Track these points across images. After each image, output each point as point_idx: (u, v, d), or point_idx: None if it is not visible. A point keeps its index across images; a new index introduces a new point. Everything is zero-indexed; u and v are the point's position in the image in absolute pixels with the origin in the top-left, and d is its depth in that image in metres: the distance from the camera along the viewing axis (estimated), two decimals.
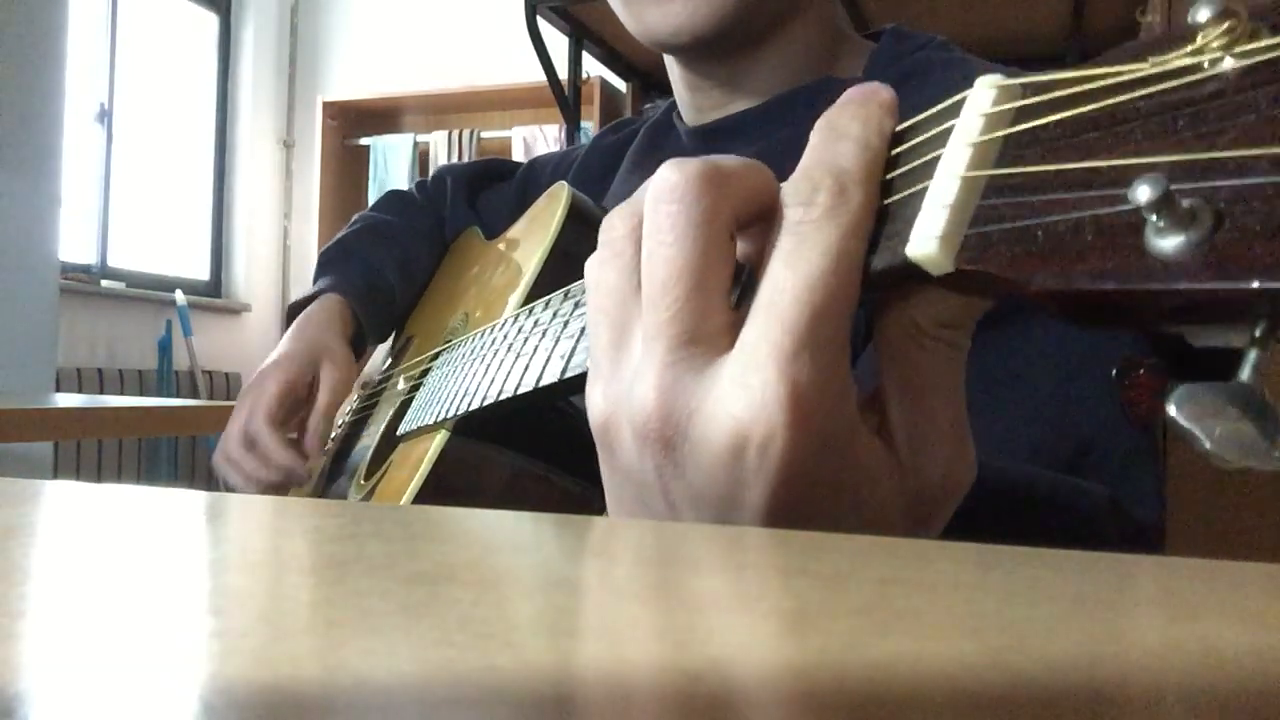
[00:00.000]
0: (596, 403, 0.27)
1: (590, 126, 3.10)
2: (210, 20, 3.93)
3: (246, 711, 0.11)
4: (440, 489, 0.55)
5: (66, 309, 2.84)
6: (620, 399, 0.26)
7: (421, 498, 0.54)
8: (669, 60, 0.66)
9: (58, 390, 2.83)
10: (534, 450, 0.55)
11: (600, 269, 0.28)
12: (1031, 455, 0.43)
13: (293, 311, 0.84)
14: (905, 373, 0.26)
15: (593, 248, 0.29)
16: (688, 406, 0.25)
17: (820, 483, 0.24)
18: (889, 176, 0.25)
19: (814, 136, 0.25)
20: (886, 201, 0.25)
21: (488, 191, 0.90)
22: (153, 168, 3.65)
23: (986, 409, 0.37)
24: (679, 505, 0.26)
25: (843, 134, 0.25)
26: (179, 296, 3.53)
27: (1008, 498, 0.36)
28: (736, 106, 0.64)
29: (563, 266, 0.58)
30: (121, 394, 3.26)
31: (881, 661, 0.13)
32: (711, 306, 0.25)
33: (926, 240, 0.22)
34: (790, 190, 0.25)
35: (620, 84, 3.20)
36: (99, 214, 3.43)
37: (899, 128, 0.26)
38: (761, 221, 0.26)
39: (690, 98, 0.66)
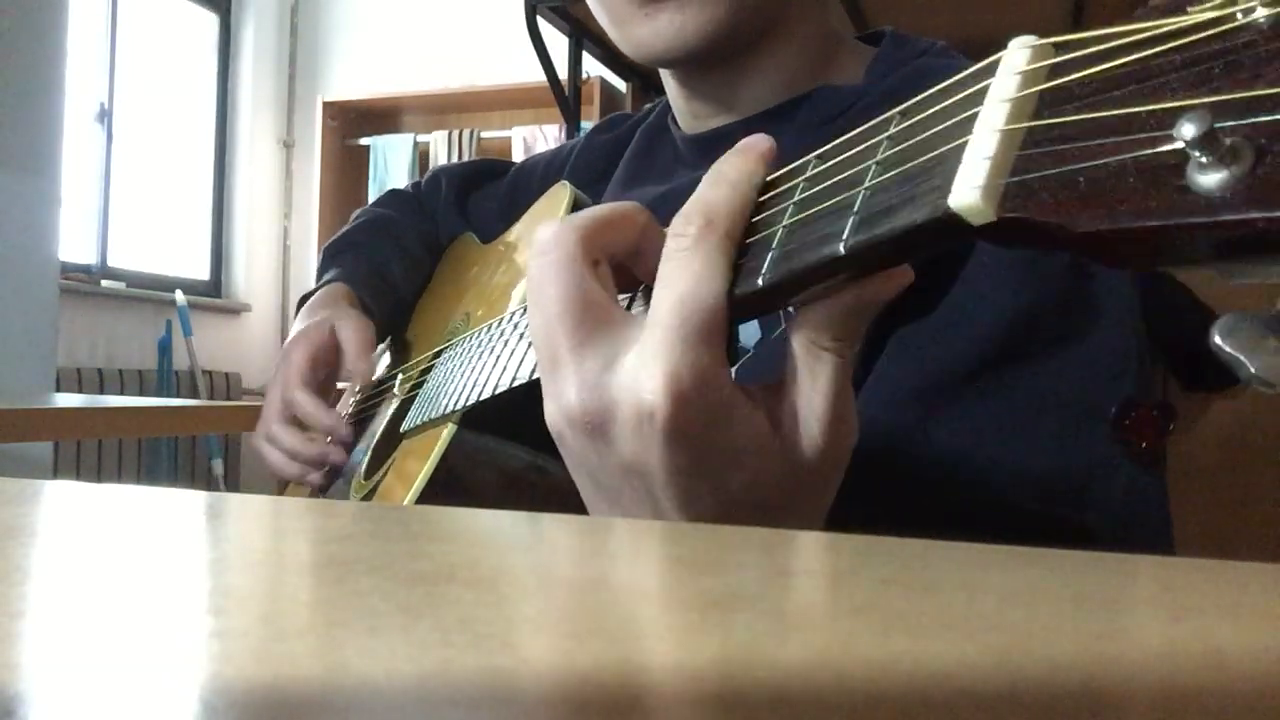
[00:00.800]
0: (550, 414, 0.33)
1: (590, 127, 3.09)
2: (210, 20, 3.93)
3: (246, 711, 0.11)
4: (447, 483, 0.54)
5: (66, 309, 2.84)
6: (559, 405, 0.33)
7: (428, 491, 0.54)
8: (663, 69, 0.66)
9: (58, 390, 2.83)
10: (541, 443, 0.55)
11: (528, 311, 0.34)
12: (1038, 492, 0.45)
13: (304, 304, 0.84)
14: (800, 372, 0.32)
15: None
16: (609, 395, 0.31)
17: (706, 448, 0.31)
18: (917, 139, 0.26)
19: (704, 179, 0.32)
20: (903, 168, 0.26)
21: (478, 193, 0.90)
22: (153, 168, 3.65)
23: (996, 446, 0.45)
24: (618, 479, 0.33)
25: (720, 179, 0.32)
26: (179, 296, 3.53)
27: (998, 532, 0.38)
28: (732, 115, 0.64)
29: None
30: (121, 394, 3.26)
31: (881, 661, 0.13)
32: (599, 320, 0.32)
33: (968, 191, 0.23)
34: (674, 222, 0.32)
35: (620, 84, 3.21)
36: (99, 214, 3.42)
37: (947, 83, 0.26)
38: (650, 248, 0.34)
39: (686, 106, 0.66)
